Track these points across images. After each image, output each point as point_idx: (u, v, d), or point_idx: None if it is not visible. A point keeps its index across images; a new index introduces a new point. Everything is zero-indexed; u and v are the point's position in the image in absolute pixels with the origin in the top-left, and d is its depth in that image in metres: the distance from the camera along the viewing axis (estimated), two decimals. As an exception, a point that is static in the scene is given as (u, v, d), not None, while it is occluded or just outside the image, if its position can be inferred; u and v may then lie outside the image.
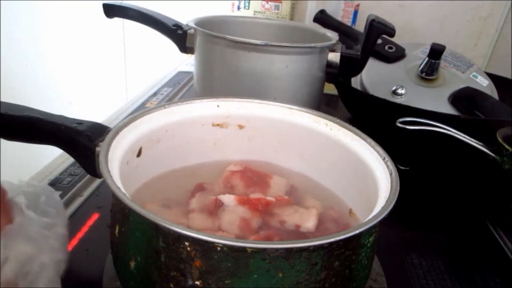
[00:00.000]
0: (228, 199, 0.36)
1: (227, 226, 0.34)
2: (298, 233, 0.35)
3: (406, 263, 0.43)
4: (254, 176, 0.41)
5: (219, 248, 0.25)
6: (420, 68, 0.73)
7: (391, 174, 0.33)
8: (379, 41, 0.74)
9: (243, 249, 0.25)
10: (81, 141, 0.34)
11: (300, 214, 0.37)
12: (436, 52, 0.71)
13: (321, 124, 0.42)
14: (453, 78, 0.73)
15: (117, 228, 0.31)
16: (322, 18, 0.83)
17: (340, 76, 0.65)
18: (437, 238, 0.50)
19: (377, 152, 0.36)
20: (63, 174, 0.52)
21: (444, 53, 0.72)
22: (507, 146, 0.50)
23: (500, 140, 0.51)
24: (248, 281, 0.26)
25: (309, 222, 0.36)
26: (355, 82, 0.77)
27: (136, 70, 1.34)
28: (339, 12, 0.94)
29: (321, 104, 0.70)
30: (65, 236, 0.32)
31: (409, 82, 0.72)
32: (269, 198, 0.37)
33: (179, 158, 0.43)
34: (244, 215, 0.35)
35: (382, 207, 0.29)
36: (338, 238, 0.25)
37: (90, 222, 0.44)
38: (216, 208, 0.36)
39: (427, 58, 0.72)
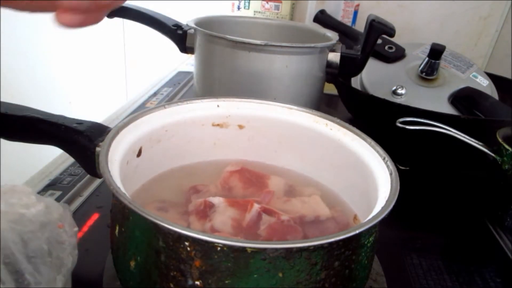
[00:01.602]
0: (218, 200, 0.36)
1: (220, 225, 0.35)
2: (314, 223, 0.37)
3: (406, 263, 0.43)
4: (252, 177, 0.41)
5: (219, 248, 0.25)
6: (420, 68, 0.73)
7: (391, 174, 0.33)
8: (379, 41, 0.73)
9: (243, 249, 0.25)
10: (81, 141, 0.34)
11: (309, 205, 0.37)
12: (436, 52, 0.71)
13: (321, 124, 0.42)
14: (453, 78, 0.73)
15: (117, 228, 0.31)
16: (322, 18, 0.83)
17: (340, 76, 0.65)
18: (437, 238, 0.50)
19: (377, 152, 0.36)
20: (63, 174, 0.52)
21: (444, 53, 0.72)
22: (507, 146, 0.50)
23: (500, 140, 0.51)
24: (248, 281, 0.26)
25: (323, 209, 0.37)
26: (355, 82, 0.77)
27: (136, 70, 1.34)
28: (339, 12, 0.94)
29: (321, 104, 0.70)
30: None
31: (409, 82, 0.72)
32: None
33: (179, 158, 0.43)
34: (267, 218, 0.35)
35: (382, 207, 0.29)
36: (338, 238, 0.25)
37: (90, 222, 0.44)
38: (206, 209, 0.36)
39: (427, 58, 0.72)
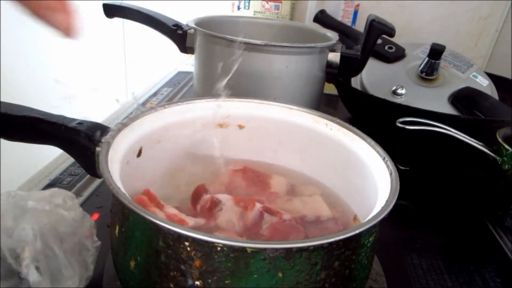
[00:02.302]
0: (224, 197, 0.36)
1: (225, 224, 0.35)
2: (316, 223, 0.36)
3: (406, 263, 0.43)
4: (254, 176, 0.41)
5: (219, 248, 0.25)
6: (420, 68, 0.73)
7: (391, 174, 0.33)
8: (379, 41, 0.73)
9: (243, 249, 0.25)
10: (81, 141, 0.34)
11: (310, 205, 0.37)
12: (436, 52, 0.71)
13: (321, 124, 0.42)
14: (453, 78, 0.73)
15: (117, 228, 0.31)
16: (322, 18, 0.83)
17: (340, 76, 0.65)
18: (437, 238, 0.50)
19: (377, 152, 0.36)
20: (63, 174, 0.52)
21: (444, 53, 0.72)
22: (507, 146, 0.50)
23: (500, 140, 0.51)
24: (248, 281, 0.26)
25: (325, 210, 0.37)
26: (355, 82, 0.77)
27: (136, 70, 1.34)
28: (339, 12, 0.94)
29: (321, 104, 0.70)
30: None
31: (409, 82, 0.72)
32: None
33: (179, 158, 0.43)
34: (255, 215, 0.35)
35: (382, 207, 0.29)
36: (338, 238, 0.25)
37: (90, 222, 0.44)
38: (212, 207, 0.36)
39: (427, 58, 0.72)
